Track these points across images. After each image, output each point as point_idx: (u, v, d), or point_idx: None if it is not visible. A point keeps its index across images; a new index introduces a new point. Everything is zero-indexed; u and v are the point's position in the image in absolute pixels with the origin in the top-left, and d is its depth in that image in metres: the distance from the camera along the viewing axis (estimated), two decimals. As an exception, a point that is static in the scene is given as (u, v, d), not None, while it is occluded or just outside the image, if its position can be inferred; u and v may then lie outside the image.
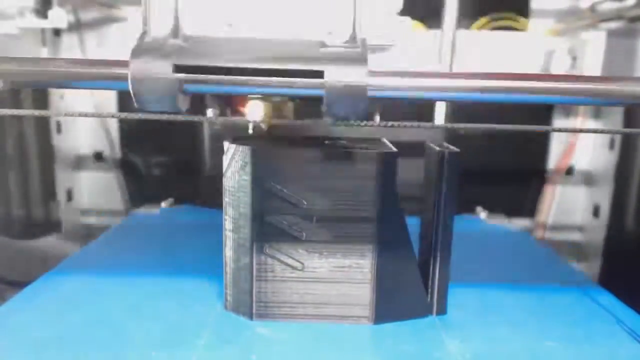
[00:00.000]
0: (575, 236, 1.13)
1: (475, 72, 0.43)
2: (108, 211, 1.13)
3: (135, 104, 0.41)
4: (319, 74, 0.39)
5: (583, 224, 1.12)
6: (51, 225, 1.05)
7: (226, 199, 0.48)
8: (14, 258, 1.00)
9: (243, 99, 0.50)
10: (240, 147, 0.47)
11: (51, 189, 1.05)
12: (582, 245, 1.12)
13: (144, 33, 0.42)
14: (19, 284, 0.97)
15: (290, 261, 0.48)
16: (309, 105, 0.53)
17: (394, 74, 0.42)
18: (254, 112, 0.50)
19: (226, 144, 0.48)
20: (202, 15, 0.43)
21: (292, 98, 0.52)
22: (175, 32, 0.41)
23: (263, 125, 0.51)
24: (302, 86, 0.40)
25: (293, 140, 0.51)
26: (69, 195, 1.09)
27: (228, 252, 0.49)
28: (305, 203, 0.47)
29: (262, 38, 0.42)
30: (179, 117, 0.50)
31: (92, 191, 1.13)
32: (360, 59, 0.40)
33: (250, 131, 0.54)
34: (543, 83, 0.43)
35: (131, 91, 0.40)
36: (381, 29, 0.46)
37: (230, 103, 0.52)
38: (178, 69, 0.39)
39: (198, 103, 1.00)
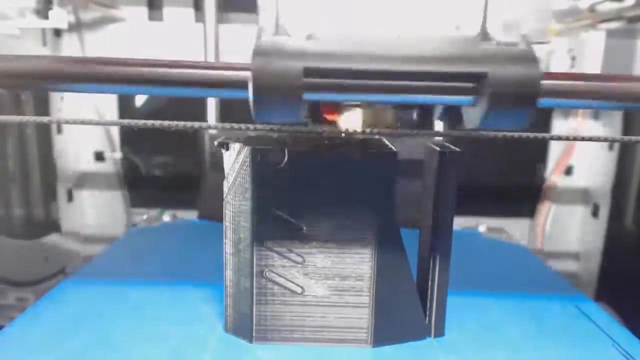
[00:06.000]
0: (575, 236, 1.13)
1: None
2: (108, 211, 1.13)
3: (252, 115, 0.34)
4: (482, 76, 0.33)
5: (582, 224, 1.12)
6: (51, 225, 1.06)
7: (226, 223, 0.49)
8: (14, 258, 1.00)
9: (334, 106, 0.43)
10: (246, 162, 0.46)
11: (51, 188, 1.05)
12: (581, 245, 1.12)
13: (261, 30, 0.35)
14: (19, 284, 0.98)
15: (290, 285, 0.48)
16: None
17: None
18: (351, 120, 0.43)
19: (229, 147, 0.47)
20: (311, 11, 0.36)
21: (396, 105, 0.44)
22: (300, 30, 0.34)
23: (359, 135, 0.45)
24: (461, 93, 0.34)
25: (291, 145, 0.49)
26: (69, 195, 1.09)
27: (228, 275, 0.50)
28: (305, 228, 0.47)
29: (397, 36, 0.35)
30: (182, 125, 0.46)
31: (92, 191, 1.13)
32: (530, 59, 0.34)
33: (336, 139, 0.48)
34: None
35: (251, 99, 0.34)
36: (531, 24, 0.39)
37: (316, 111, 0.45)
38: (308, 72, 0.33)
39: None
